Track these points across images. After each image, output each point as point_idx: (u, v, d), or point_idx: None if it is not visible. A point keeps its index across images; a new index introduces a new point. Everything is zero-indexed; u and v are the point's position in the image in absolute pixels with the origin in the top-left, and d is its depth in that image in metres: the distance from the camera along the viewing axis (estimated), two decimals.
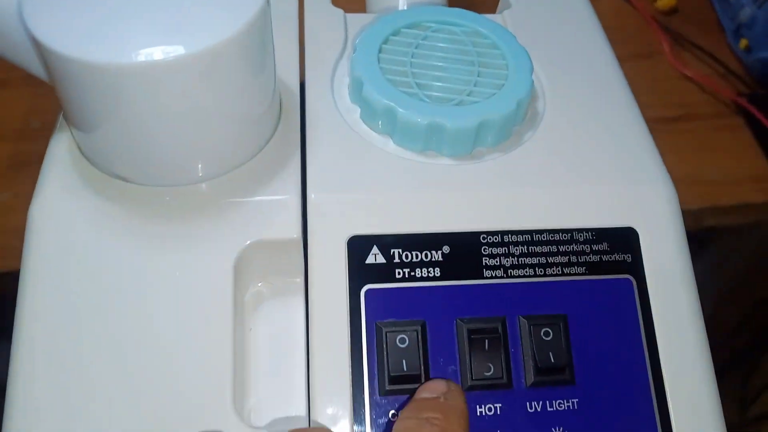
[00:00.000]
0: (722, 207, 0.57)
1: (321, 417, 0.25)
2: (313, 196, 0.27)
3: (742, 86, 0.60)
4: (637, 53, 0.63)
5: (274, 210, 0.27)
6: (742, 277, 0.79)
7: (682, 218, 0.29)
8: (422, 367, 0.25)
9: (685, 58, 0.62)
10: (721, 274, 0.79)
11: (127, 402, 0.24)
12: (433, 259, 0.27)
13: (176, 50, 0.22)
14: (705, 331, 0.28)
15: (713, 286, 0.79)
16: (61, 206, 0.27)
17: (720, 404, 0.27)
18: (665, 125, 0.59)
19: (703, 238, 0.85)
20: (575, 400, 0.26)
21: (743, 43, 0.60)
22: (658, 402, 0.26)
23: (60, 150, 0.28)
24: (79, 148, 0.28)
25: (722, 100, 0.59)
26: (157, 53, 0.22)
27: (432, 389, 0.25)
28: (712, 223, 0.58)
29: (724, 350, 0.79)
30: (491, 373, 0.26)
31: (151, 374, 0.25)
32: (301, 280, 0.28)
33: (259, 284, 0.28)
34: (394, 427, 0.24)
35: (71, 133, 0.28)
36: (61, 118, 0.29)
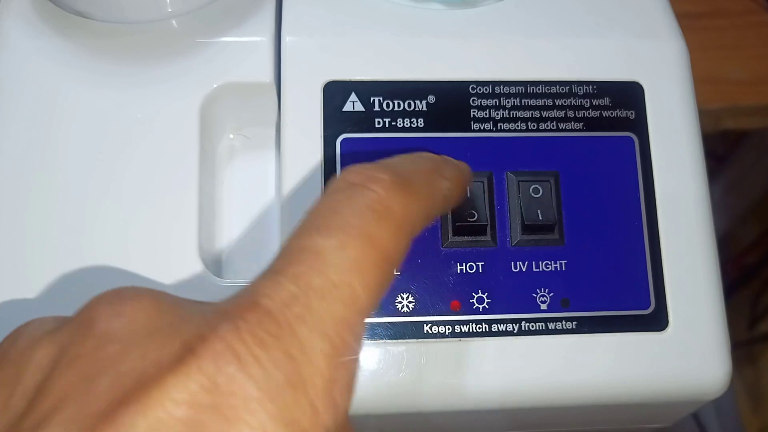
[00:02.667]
0: (743, 107, 0.54)
1: None
2: (288, 38, 0.25)
3: None
4: None
5: (245, 52, 0.25)
6: (761, 192, 0.76)
7: (692, 77, 0.27)
8: None
9: None
10: (739, 191, 0.76)
11: (88, 253, 0.23)
12: (417, 109, 0.25)
13: None
14: (709, 198, 0.26)
15: (731, 203, 0.77)
16: (18, 45, 0.25)
17: (719, 277, 0.25)
18: (690, 21, 0.54)
19: (722, 155, 0.82)
20: (563, 261, 0.24)
21: None
22: (652, 269, 0.25)
23: None
24: None
25: None
26: None
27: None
28: (731, 125, 0.55)
29: (735, 267, 0.77)
30: None
31: (114, 220, 0.23)
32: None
33: (231, 136, 0.27)
34: None
35: None
36: None
